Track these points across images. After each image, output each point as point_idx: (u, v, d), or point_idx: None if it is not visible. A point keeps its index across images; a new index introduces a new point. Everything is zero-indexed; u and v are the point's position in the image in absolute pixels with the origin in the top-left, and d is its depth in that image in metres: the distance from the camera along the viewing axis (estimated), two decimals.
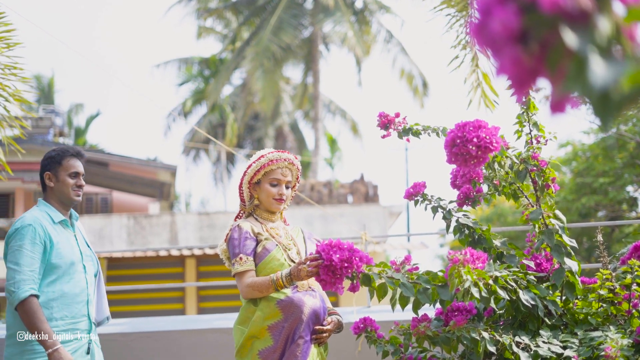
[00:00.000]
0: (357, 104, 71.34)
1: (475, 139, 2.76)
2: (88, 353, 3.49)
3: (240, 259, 3.25)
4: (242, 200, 3.48)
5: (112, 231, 16.91)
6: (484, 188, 3.33)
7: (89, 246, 3.68)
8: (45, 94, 30.93)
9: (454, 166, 3.36)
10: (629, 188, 17.33)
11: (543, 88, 0.91)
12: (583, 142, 18.29)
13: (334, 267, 2.41)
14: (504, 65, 0.90)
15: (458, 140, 2.79)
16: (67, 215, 3.61)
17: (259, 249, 3.29)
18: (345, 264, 2.41)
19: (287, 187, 3.44)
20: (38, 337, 3.22)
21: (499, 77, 0.93)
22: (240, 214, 3.52)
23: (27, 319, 3.24)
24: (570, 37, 0.79)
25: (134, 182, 22.07)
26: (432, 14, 5.02)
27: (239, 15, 26.59)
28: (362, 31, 24.11)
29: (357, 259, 2.43)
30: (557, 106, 0.88)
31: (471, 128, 2.80)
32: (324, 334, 3.27)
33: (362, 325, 3.06)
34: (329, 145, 33.97)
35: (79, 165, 3.60)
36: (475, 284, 2.48)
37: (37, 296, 3.28)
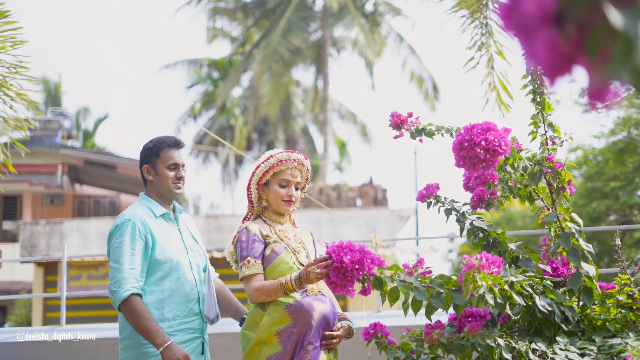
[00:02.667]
0: (366, 107, 71.33)
1: (483, 142, 2.68)
2: (202, 353, 3.35)
3: (248, 262, 3.17)
4: (250, 201, 3.40)
5: None
6: (498, 190, 3.25)
7: (196, 240, 3.51)
8: (53, 96, 30.96)
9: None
10: None
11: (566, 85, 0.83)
12: (594, 146, 18.16)
13: (345, 269, 2.33)
14: (536, 50, 0.82)
15: (466, 144, 2.72)
16: (169, 208, 3.47)
17: (268, 252, 3.21)
18: (357, 266, 2.34)
19: (296, 189, 3.35)
20: (146, 336, 3.09)
21: (530, 64, 0.85)
22: (248, 216, 3.44)
23: (133, 319, 3.10)
24: (615, 16, 0.71)
25: (141, 184, 22.00)
26: (446, 16, 4.93)
27: (249, 18, 26.56)
28: (372, 34, 24.00)
29: (368, 260, 2.36)
30: (596, 95, 0.80)
31: (479, 131, 2.72)
32: (334, 340, 3.19)
33: (372, 331, 2.98)
34: (338, 149, 33.88)
35: (178, 156, 3.44)
36: (491, 290, 2.40)
37: (139, 294, 3.14)
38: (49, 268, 14.91)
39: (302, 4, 24.18)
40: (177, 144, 3.47)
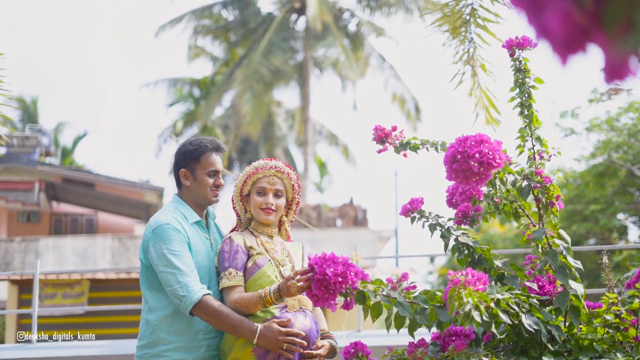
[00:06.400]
0: (348, 127, 71.54)
1: (477, 155, 2.59)
2: None
3: (230, 273, 3.06)
4: (237, 214, 3.33)
5: (96, 252, 16.64)
6: (483, 206, 3.16)
7: None
8: (30, 113, 30.72)
9: (449, 183, 3.20)
10: (620, 216, 17.24)
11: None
12: (574, 169, 18.22)
13: (328, 282, 2.23)
14: (547, 23, 0.74)
15: (459, 156, 2.63)
16: (202, 215, 3.30)
17: (250, 264, 3.11)
18: (340, 279, 2.24)
19: (278, 197, 3.25)
20: (234, 332, 2.93)
21: (540, 41, 0.77)
22: (237, 228, 3.35)
23: (213, 320, 2.93)
24: None
25: (119, 203, 21.84)
26: (430, 30, 4.88)
27: (231, 37, 26.51)
28: (355, 54, 24.02)
29: (352, 273, 2.26)
30: (614, 72, 0.71)
31: (473, 143, 2.63)
32: (314, 359, 3.05)
33: (352, 350, 2.88)
34: (318, 169, 33.84)
35: (218, 162, 3.26)
36: (477, 307, 2.31)
37: (209, 294, 2.96)
38: (24, 286, 14.65)
39: (284, 25, 24.19)
40: (218, 149, 3.29)
